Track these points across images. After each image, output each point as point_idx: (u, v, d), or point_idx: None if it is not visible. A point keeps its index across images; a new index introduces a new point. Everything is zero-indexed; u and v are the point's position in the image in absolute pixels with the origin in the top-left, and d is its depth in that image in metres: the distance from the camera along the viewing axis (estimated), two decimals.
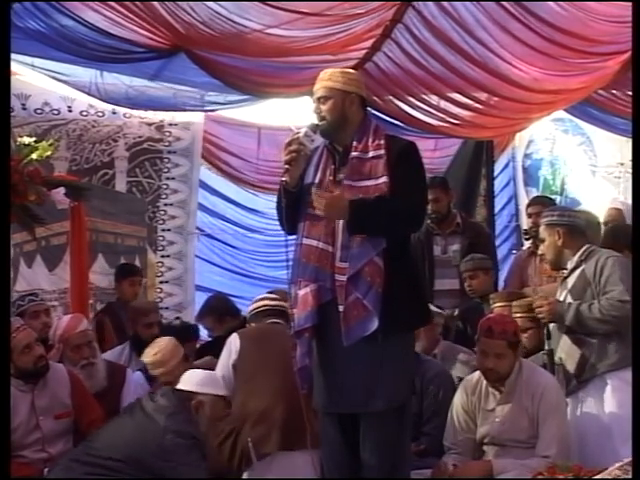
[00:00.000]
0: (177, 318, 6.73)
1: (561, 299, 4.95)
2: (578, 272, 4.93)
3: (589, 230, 5.29)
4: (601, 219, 6.86)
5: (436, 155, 9.36)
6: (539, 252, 5.38)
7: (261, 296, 5.24)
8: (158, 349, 5.32)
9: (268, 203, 9.17)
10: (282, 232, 4.31)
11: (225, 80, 7.30)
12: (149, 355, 5.33)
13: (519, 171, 9.71)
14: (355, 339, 4.02)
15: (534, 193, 9.14)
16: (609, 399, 4.77)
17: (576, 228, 5.02)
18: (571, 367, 4.86)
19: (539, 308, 4.97)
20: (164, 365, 5.26)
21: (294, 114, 8.09)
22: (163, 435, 4.39)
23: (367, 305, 4.00)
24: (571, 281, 4.96)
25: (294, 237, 4.28)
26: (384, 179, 4.09)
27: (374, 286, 4.01)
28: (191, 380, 4.69)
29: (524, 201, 9.24)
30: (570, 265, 4.98)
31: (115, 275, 7.12)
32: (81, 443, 4.65)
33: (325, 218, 4.12)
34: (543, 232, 5.09)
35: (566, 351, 4.89)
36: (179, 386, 4.68)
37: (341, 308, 4.05)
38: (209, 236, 9.33)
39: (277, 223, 4.34)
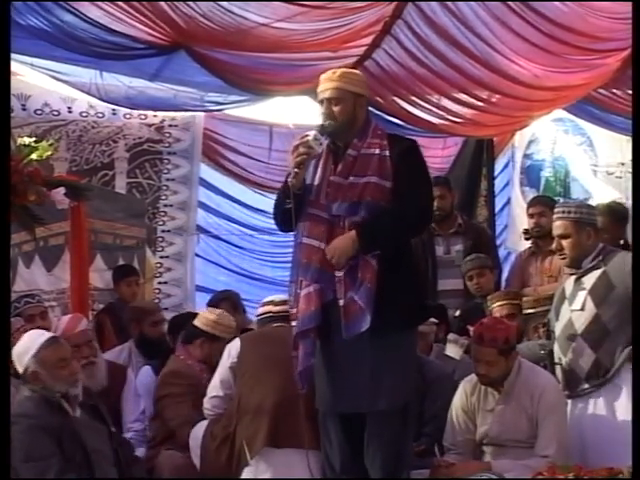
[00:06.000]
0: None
1: (577, 300, 4.78)
2: (598, 273, 4.75)
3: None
4: None
5: (445, 154, 9.29)
6: (553, 247, 4.98)
7: (267, 300, 5.20)
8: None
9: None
10: (290, 232, 4.31)
11: (225, 78, 7.30)
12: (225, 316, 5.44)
13: (516, 171, 9.67)
14: (353, 334, 4.05)
15: (533, 194, 9.10)
16: (622, 405, 4.66)
17: (598, 227, 4.91)
18: (582, 371, 4.75)
19: None
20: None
21: (304, 113, 8.03)
22: None
23: (359, 301, 4.02)
24: (589, 282, 4.77)
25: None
26: (375, 179, 4.10)
27: (364, 282, 4.04)
28: None
29: (519, 202, 9.22)
30: (587, 264, 4.79)
31: (112, 276, 7.14)
32: None
33: (327, 219, 4.13)
34: (568, 228, 4.77)
35: (579, 354, 4.76)
36: None
37: (341, 302, 4.07)
38: (215, 237, 9.26)
39: None
